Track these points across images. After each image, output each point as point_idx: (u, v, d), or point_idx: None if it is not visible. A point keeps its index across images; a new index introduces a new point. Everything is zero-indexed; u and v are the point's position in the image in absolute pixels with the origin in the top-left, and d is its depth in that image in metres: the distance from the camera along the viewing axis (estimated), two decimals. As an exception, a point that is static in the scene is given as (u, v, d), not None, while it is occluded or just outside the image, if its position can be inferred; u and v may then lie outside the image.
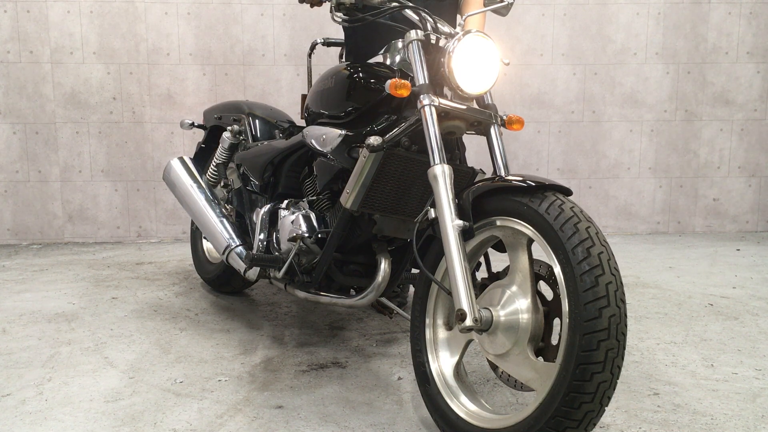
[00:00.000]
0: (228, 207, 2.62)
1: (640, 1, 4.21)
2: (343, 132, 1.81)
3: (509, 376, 1.43)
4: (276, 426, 1.61)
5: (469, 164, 1.93)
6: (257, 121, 2.59)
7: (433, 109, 1.55)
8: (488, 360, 1.48)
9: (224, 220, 2.41)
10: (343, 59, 2.40)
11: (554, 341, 1.34)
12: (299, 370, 1.99)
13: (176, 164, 2.64)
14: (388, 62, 1.85)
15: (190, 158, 2.70)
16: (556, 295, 1.33)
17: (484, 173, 1.84)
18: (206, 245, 2.96)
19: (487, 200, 1.45)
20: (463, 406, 1.52)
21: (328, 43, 2.52)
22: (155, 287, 2.97)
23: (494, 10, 1.85)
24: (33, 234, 4.12)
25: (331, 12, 1.75)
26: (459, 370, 1.59)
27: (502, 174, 1.65)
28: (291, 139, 2.20)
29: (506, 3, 1.82)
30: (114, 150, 4.10)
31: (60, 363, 2.04)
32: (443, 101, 1.57)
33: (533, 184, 1.37)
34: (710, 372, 1.97)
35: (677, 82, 4.30)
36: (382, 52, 1.89)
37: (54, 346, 2.19)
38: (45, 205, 4.10)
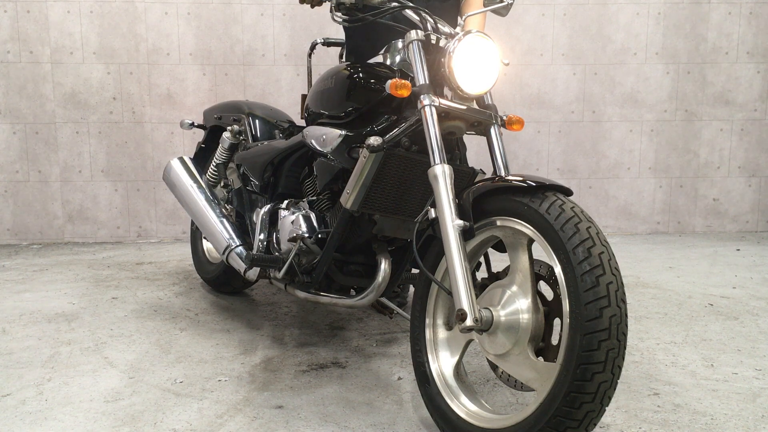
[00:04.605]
0: (228, 207, 2.62)
1: (640, 1, 4.21)
2: (343, 132, 1.81)
3: (509, 376, 1.43)
4: (276, 426, 1.61)
5: (469, 164, 1.93)
6: (257, 121, 2.59)
7: (434, 109, 1.55)
8: (488, 360, 1.48)
9: (224, 220, 2.41)
10: (343, 59, 2.40)
11: (554, 341, 1.34)
12: (299, 370, 1.99)
13: (176, 164, 2.64)
14: (388, 62, 1.85)
15: (190, 158, 2.69)
16: (557, 295, 1.33)
17: (484, 173, 1.84)
18: (206, 245, 2.96)
19: (487, 200, 1.45)
20: (463, 406, 1.52)
21: (328, 43, 2.52)
22: (155, 287, 2.97)
23: (494, 10, 1.85)
24: (33, 234, 4.12)
25: (331, 12, 1.75)
26: (459, 370, 1.59)
27: (502, 174, 1.65)
28: (291, 139, 2.19)
29: (506, 3, 1.83)
30: (114, 150, 4.10)
31: (60, 363, 2.04)
32: (443, 101, 1.57)
33: (533, 184, 1.37)
34: (710, 372, 1.97)
35: (677, 82, 4.30)
36: (382, 52, 1.89)
37: (54, 346, 2.19)
38: (45, 205, 4.10)
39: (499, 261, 1.54)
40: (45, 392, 1.81)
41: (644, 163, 4.37)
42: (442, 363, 1.60)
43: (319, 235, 1.97)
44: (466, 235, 1.44)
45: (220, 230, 2.38)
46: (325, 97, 1.93)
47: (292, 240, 1.97)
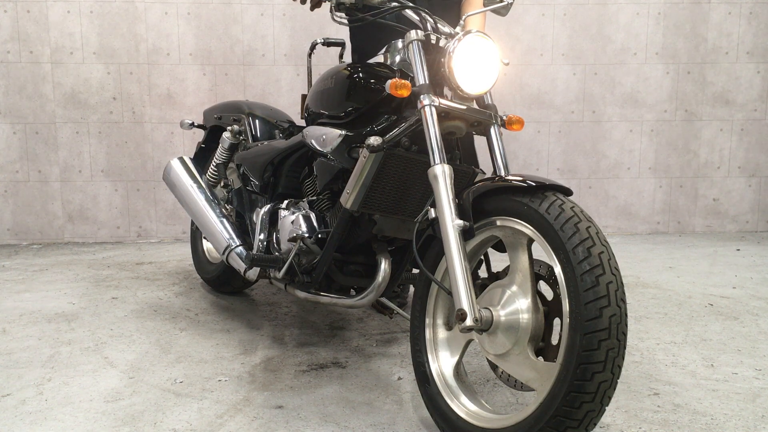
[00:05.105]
0: (228, 207, 2.62)
1: (640, 1, 4.21)
2: (343, 132, 1.81)
3: (509, 376, 1.43)
4: (276, 426, 1.61)
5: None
6: (257, 121, 2.59)
7: (434, 109, 1.55)
8: (488, 360, 1.48)
9: (224, 220, 2.41)
10: (343, 59, 2.40)
11: (554, 341, 1.34)
12: (299, 370, 1.99)
13: (176, 164, 2.64)
14: (388, 62, 1.85)
15: (190, 158, 2.69)
16: (556, 295, 1.33)
17: (484, 173, 1.84)
18: (206, 245, 2.96)
19: (487, 200, 1.45)
20: (463, 406, 1.51)
21: (328, 43, 2.52)
22: (155, 287, 2.97)
23: (494, 10, 1.85)
24: (33, 234, 4.12)
25: (331, 12, 1.75)
26: (459, 370, 1.59)
27: (502, 174, 1.65)
28: (291, 139, 2.19)
29: (506, 3, 1.82)
30: (114, 150, 4.10)
31: (60, 363, 2.04)
32: (443, 101, 1.57)
33: (533, 184, 1.37)
34: (710, 372, 1.97)
35: (677, 82, 4.30)
36: (382, 52, 1.89)
37: (54, 346, 2.19)
38: (45, 205, 4.10)
39: (499, 261, 1.54)
40: (45, 392, 1.81)
41: (644, 163, 4.36)
42: (442, 363, 1.60)
43: (319, 235, 1.97)
44: (466, 235, 1.44)
45: (220, 230, 2.38)
46: (325, 97, 1.93)
47: (292, 240, 1.97)
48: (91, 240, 4.16)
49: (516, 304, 1.38)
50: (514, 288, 1.40)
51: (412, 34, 1.64)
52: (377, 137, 1.63)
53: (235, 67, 4.09)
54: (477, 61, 1.60)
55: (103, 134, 4.08)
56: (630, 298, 2.79)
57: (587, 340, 1.19)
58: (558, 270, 1.28)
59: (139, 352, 2.14)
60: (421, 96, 1.56)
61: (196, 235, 3.01)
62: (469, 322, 1.34)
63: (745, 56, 4.29)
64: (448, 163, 1.50)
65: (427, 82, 1.58)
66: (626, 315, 1.23)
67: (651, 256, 3.69)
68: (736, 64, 4.29)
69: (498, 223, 1.44)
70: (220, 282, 2.80)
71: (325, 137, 1.88)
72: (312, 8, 1.81)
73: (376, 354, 2.14)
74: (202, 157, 2.92)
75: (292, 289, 2.08)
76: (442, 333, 1.63)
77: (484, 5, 1.86)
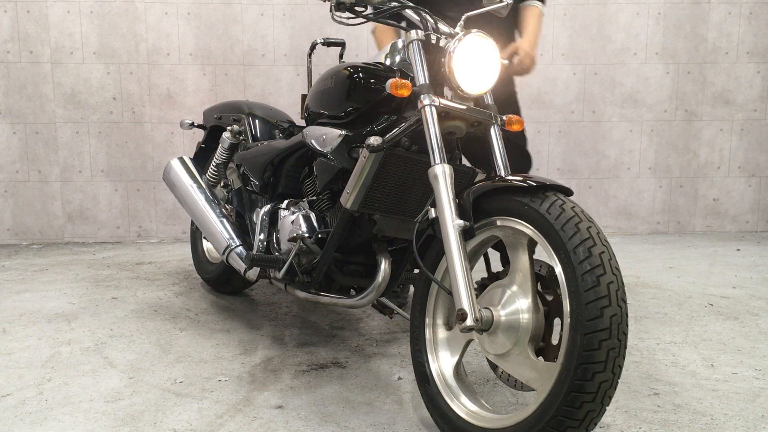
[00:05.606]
0: (228, 207, 2.62)
1: (640, 1, 4.21)
2: (343, 132, 1.81)
3: (509, 375, 1.43)
4: (276, 426, 1.61)
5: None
6: (257, 121, 2.59)
7: (434, 109, 1.55)
8: (488, 360, 1.48)
9: (224, 220, 2.41)
10: (343, 59, 2.40)
11: (554, 341, 1.34)
12: (299, 370, 1.99)
13: (176, 164, 2.63)
14: (388, 62, 1.85)
15: (190, 158, 2.69)
16: (557, 295, 1.33)
17: (484, 173, 1.84)
18: (206, 245, 2.96)
19: (487, 200, 1.45)
20: (463, 406, 1.51)
21: (328, 43, 2.52)
22: (155, 287, 2.97)
23: (494, 11, 1.84)
24: (33, 234, 4.12)
25: (330, 12, 1.75)
26: (459, 370, 1.59)
27: (503, 174, 1.65)
28: (291, 139, 2.19)
29: (506, 3, 1.82)
30: (114, 150, 4.10)
31: (60, 363, 2.03)
32: (444, 101, 1.57)
33: (534, 184, 1.37)
34: (710, 372, 1.97)
35: (677, 82, 4.30)
36: (380, 53, 1.89)
37: (54, 346, 2.18)
38: (45, 205, 4.10)
39: (498, 261, 1.54)
40: (45, 392, 1.81)
41: (644, 163, 4.36)
42: (442, 363, 1.60)
43: (319, 235, 1.97)
44: (466, 234, 1.44)
45: (220, 230, 2.38)
46: (325, 97, 1.93)
47: (292, 240, 1.97)
48: (91, 240, 4.15)
49: (516, 304, 1.38)
50: (515, 288, 1.40)
51: (412, 34, 1.65)
52: (377, 137, 1.63)
53: (235, 67, 4.09)
54: (477, 61, 1.60)
55: (103, 134, 4.08)
56: (630, 298, 2.79)
57: (588, 340, 1.19)
58: (559, 270, 1.28)
59: (139, 352, 2.14)
60: (422, 96, 1.56)
61: (196, 235, 3.01)
62: (469, 322, 1.34)
63: (745, 56, 4.29)
64: (448, 163, 1.50)
65: (428, 82, 1.58)
66: (627, 315, 1.23)
67: (651, 256, 3.69)
68: (736, 64, 4.29)
69: (498, 223, 1.44)
70: (220, 282, 2.80)
71: (325, 137, 1.88)
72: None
73: (376, 354, 2.14)
74: (202, 157, 2.92)
75: (292, 289, 2.08)
76: (442, 333, 1.63)
77: (484, 5, 1.86)
